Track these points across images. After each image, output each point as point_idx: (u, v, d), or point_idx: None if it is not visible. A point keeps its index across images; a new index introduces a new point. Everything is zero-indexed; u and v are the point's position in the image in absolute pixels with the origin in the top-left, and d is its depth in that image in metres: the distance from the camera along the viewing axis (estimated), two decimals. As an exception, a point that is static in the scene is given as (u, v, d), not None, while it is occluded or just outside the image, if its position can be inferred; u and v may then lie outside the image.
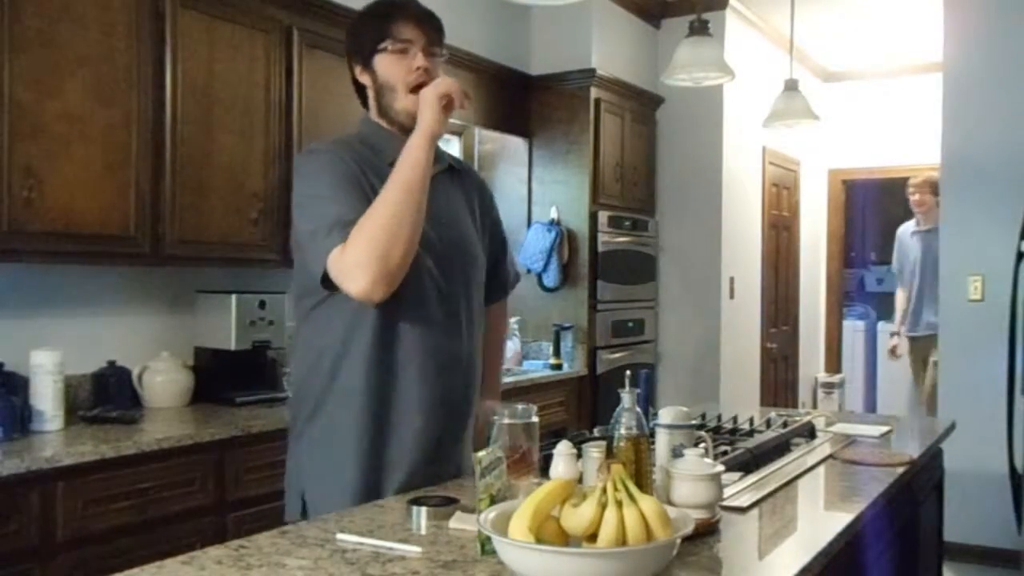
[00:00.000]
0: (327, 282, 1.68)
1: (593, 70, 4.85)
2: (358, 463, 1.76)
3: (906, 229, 5.99)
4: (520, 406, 1.64)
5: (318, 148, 1.85)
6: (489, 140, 5.11)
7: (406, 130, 1.77)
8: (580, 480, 1.52)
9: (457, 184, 1.97)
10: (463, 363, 1.87)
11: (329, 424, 1.79)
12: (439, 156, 1.88)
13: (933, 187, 5.57)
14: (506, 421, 1.57)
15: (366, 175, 1.76)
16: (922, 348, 5.73)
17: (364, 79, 1.87)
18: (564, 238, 4.82)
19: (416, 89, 1.78)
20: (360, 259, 1.62)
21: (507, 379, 4.30)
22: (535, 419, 1.63)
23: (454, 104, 1.72)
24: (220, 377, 3.15)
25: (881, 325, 7.79)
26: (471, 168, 2.11)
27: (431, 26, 1.85)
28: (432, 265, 1.80)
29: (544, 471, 1.58)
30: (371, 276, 1.62)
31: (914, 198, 5.82)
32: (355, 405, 1.76)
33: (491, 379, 2.09)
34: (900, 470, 2.12)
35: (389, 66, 1.82)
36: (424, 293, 1.79)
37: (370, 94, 1.88)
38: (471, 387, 1.91)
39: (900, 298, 6.04)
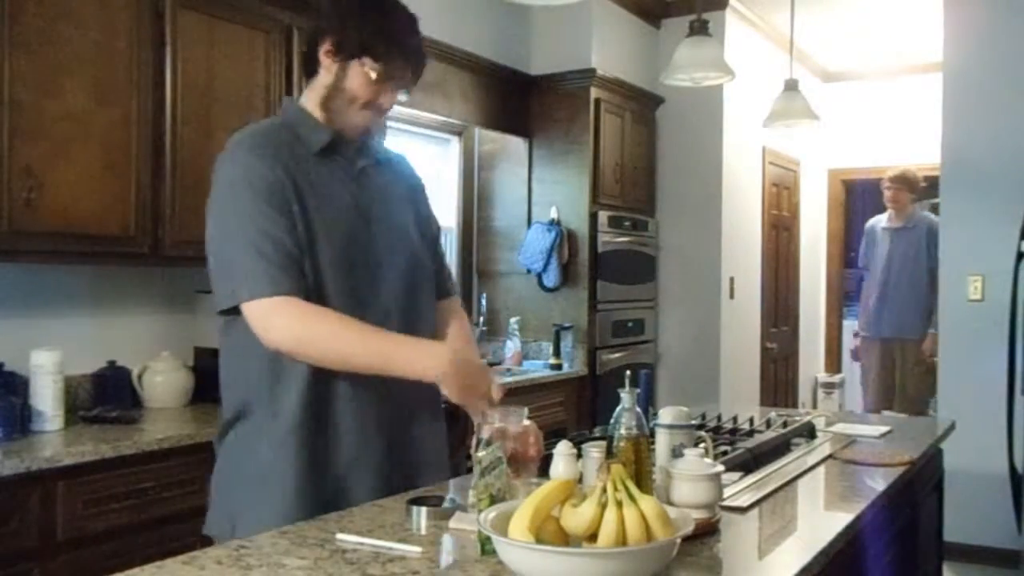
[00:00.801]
0: (226, 311, 1.65)
1: (593, 70, 4.85)
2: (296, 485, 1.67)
3: (876, 223, 5.80)
4: (511, 408, 1.64)
5: (238, 149, 1.71)
6: (489, 140, 5.11)
7: (340, 132, 1.74)
8: (580, 480, 1.52)
9: (391, 176, 1.87)
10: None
11: (259, 444, 1.69)
12: (367, 150, 1.81)
13: (909, 183, 5.49)
14: (498, 424, 1.57)
15: (287, 169, 1.66)
16: (886, 351, 5.56)
17: (328, 64, 1.72)
18: (564, 238, 4.82)
19: (367, 106, 1.72)
20: (293, 338, 1.60)
21: (507, 379, 4.30)
22: (527, 421, 1.63)
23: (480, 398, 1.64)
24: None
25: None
26: (403, 158, 1.97)
27: (417, 72, 1.78)
28: (368, 271, 1.73)
29: (544, 471, 1.58)
30: (287, 349, 1.62)
31: (888, 193, 5.63)
32: (288, 435, 1.66)
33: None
34: (900, 470, 2.12)
35: (363, 83, 1.71)
36: (358, 299, 1.71)
37: (322, 79, 1.74)
38: (411, 398, 1.77)
39: (865, 297, 5.88)
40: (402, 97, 1.78)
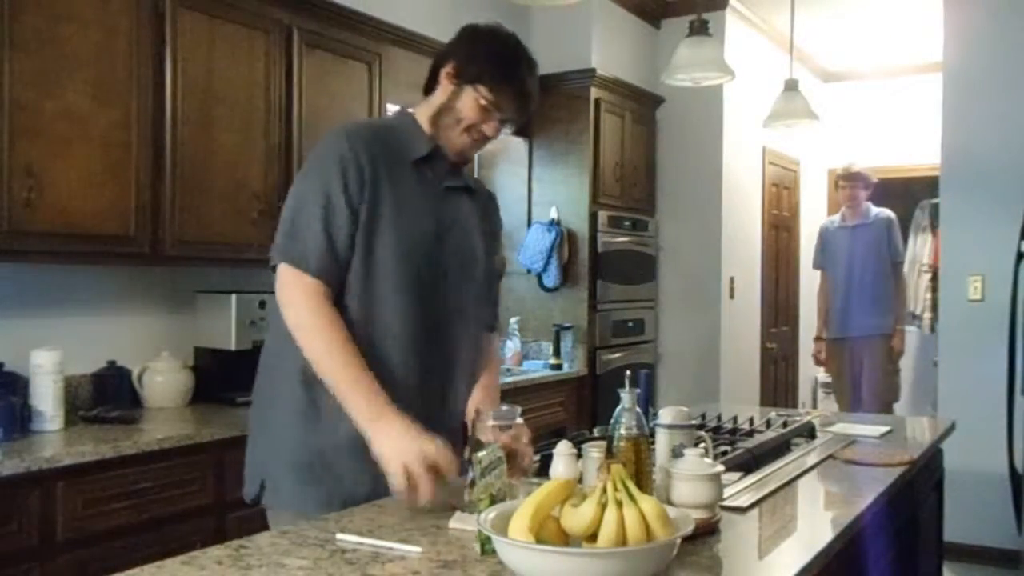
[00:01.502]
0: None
1: (593, 70, 4.85)
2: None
3: (830, 223, 5.67)
4: (504, 407, 1.64)
5: (342, 131, 1.82)
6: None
7: (451, 154, 1.87)
8: (580, 480, 1.52)
9: (473, 203, 1.98)
10: (445, 363, 1.85)
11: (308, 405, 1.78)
12: (460, 174, 1.94)
13: (865, 181, 5.40)
14: (491, 423, 1.56)
15: (375, 165, 1.77)
16: (856, 351, 5.40)
17: (446, 85, 1.85)
18: (564, 238, 4.82)
19: (470, 129, 1.84)
20: (294, 321, 1.71)
21: (507, 379, 4.30)
22: (520, 420, 1.63)
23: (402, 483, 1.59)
24: (220, 377, 3.15)
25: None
26: (493, 196, 2.12)
27: (524, 111, 1.88)
28: (431, 283, 1.82)
29: (544, 471, 1.58)
30: (287, 325, 1.72)
31: (845, 192, 5.48)
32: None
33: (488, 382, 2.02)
34: (900, 470, 2.12)
35: (472, 106, 1.82)
36: (420, 297, 1.80)
37: (437, 97, 1.87)
38: (449, 400, 1.88)
39: (822, 299, 5.67)
40: (507, 130, 1.89)
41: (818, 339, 5.65)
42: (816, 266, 5.73)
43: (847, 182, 5.44)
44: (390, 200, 1.77)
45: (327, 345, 1.68)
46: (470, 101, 1.82)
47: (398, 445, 1.58)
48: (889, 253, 5.36)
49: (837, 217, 5.62)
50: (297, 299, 1.71)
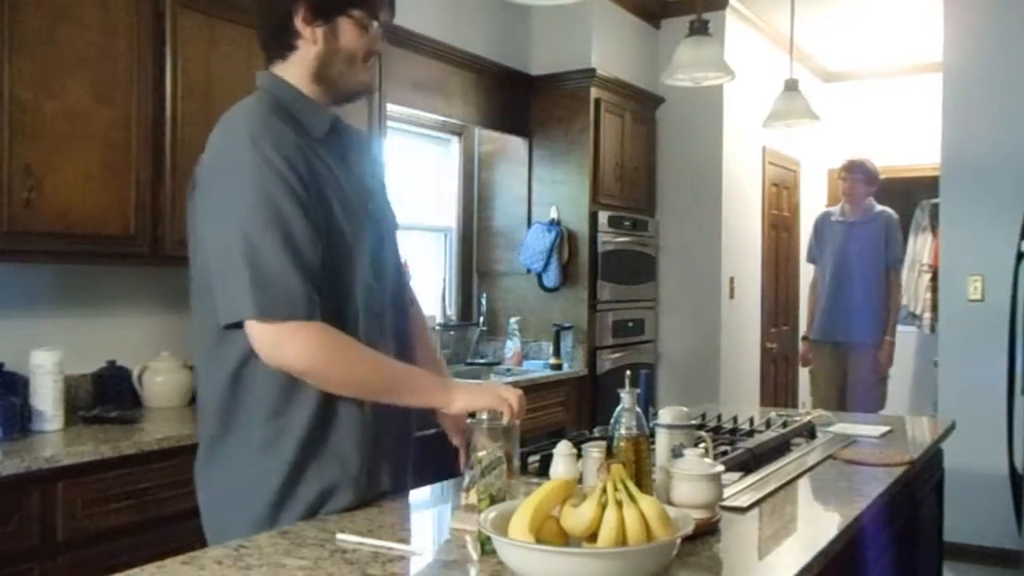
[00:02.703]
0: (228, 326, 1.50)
1: (593, 70, 4.85)
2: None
3: (827, 215, 5.22)
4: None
5: (244, 138, 1.51)
6: (489, 140, 5.11)
7: (342, 99, 1.65)
8: (580, 480, 1.52)
9: (367, 159, 1.75)
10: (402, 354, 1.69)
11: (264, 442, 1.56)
12: (348, 131, 1.71)
13: (868, 175, 4.96)
14: (486, 420, 1.56)
15: (299, 160, 1.52)
16: (838, 356, 5.00)
17: (310, 35, 1.59)
18: (564, 238, 4.82)
19: (367, 58, 1.63)
20: (307, 362, 1.48)
21: (507, 379, 4.30)
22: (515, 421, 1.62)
23: (509, 414, 1.54)
24: (220, 377, 3.14)
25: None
26: (364, 135, 1.88)
27: (393, 9, 1.70)
28: (378, 270, 1.65)
29: (544, 471, 1.58)
30: (299, 371, 1.50)
31: (844, 184, 5.03)
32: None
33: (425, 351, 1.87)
34: (900, 470, 2.12)
35: (356, 34, 1.60)
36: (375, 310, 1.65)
37: (306, 52, 1.60)
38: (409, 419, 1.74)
39: (813, 296, 5.24)
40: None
41: (805, 339, 5.29)
42: (810, 259, 5.34)
43: (846, 174, 5.02)
44: (329, 195, 1.56)
45: (369, 368, 1.55)
46: (350, 31, 1.60)
47: (478, 390, 1.61)
48: (886, 256, 4.95)
49: (836, 209, 5.19)
50: (308, 351, 1.48)
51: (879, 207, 5.06)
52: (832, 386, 5.02)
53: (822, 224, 5.20)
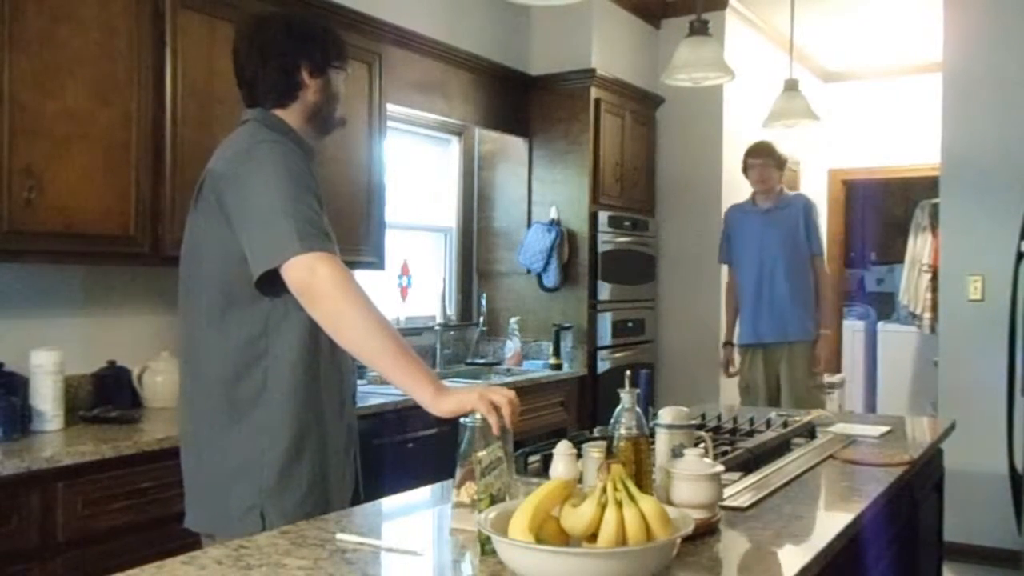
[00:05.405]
0: (264, 277, 1.72)
1: (593, 70, 4.85)
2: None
3: (737, 208, 4.74)
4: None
5: (278, 143, 1.85)
6: (489, 140, 5.11)
7: (325, 133, 2.01)
8: (580, 480, 1.52)
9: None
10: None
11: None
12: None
13: (778, 160, 4.55)
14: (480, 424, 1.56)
15: (307, 166, 1.86)
16: (769, 360, 4.52)
17: (313, 83, 1.93)
18: (564, 238, 4.82)
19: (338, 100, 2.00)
20: (333, 282, 1.68)
21: (507, 379, 4.30)
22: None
23: (496, 422, 1.58)
24: (220, 377, 3.14)
25: (881, 325, 7.76)
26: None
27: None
28: None
29: (544, 471, 1.58)
30: (324, 292, 1.69)
31: (755, 172, 4.55)
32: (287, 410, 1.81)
33: None
34: (900, 470, 2.12)
35: (342, 81, 1.99)
36: None
37: (308, 100, 1.94)
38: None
39: (731, 298, 4.77)
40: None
41: (727, 345, 4.75)
42: (722, 260, 4.83)
43: (757, 159, 4.54)
44: (322, 199, 1.85)
45: (381, 319, 1.70)
46: (339, 79, 1.98)
47: (467, 391, 1.63)
48: (808, 243, 4.51)
49: (746, 201, 4.72)
50: (337, 272, 1.69)
51: (792, 192, 4.80)
52: (765, 392, 4.52)
53: (734, 219, 4.71)
